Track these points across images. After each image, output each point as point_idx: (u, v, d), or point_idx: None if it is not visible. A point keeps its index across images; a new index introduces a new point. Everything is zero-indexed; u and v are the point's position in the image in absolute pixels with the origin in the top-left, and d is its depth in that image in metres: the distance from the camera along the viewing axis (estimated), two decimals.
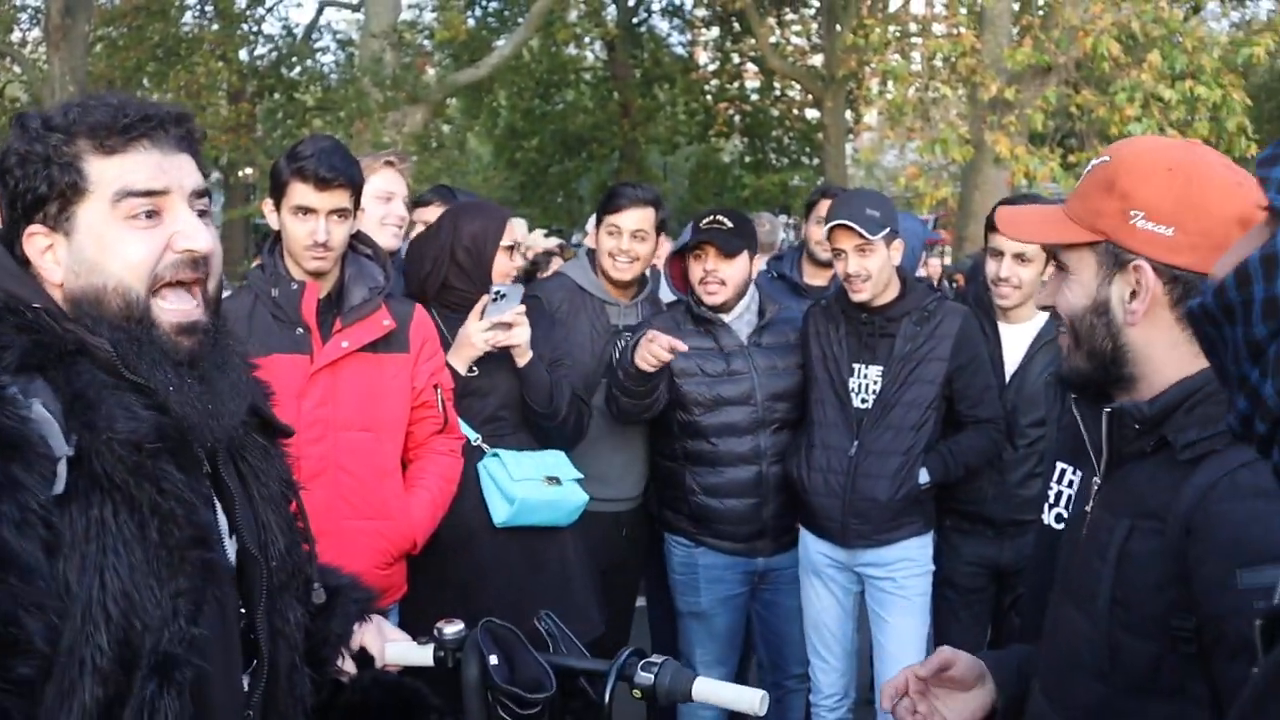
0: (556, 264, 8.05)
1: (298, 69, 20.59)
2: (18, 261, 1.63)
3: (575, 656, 2.12)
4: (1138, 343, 1.75)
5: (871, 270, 3.91)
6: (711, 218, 4.17)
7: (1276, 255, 1.03)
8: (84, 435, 1.50)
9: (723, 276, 4.08)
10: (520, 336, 3.65)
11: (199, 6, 19.85)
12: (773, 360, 4.16)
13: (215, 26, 19.30)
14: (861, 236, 3.86)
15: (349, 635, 2.04)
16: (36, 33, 17.78)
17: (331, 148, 3.30)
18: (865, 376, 4.01)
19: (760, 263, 5.03)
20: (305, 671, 1.88)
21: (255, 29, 20.76)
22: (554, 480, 3.74)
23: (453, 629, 2.06)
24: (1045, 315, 4.06)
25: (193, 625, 1.55)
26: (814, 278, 5.38)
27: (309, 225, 3.22)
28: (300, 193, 3.22)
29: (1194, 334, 1.16)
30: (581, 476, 3.84)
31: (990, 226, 4.06)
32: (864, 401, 4.01)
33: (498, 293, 3.69)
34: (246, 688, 1.74)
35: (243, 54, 20.09)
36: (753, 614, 4.44)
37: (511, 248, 3.95)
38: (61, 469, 1.47)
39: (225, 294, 4.02)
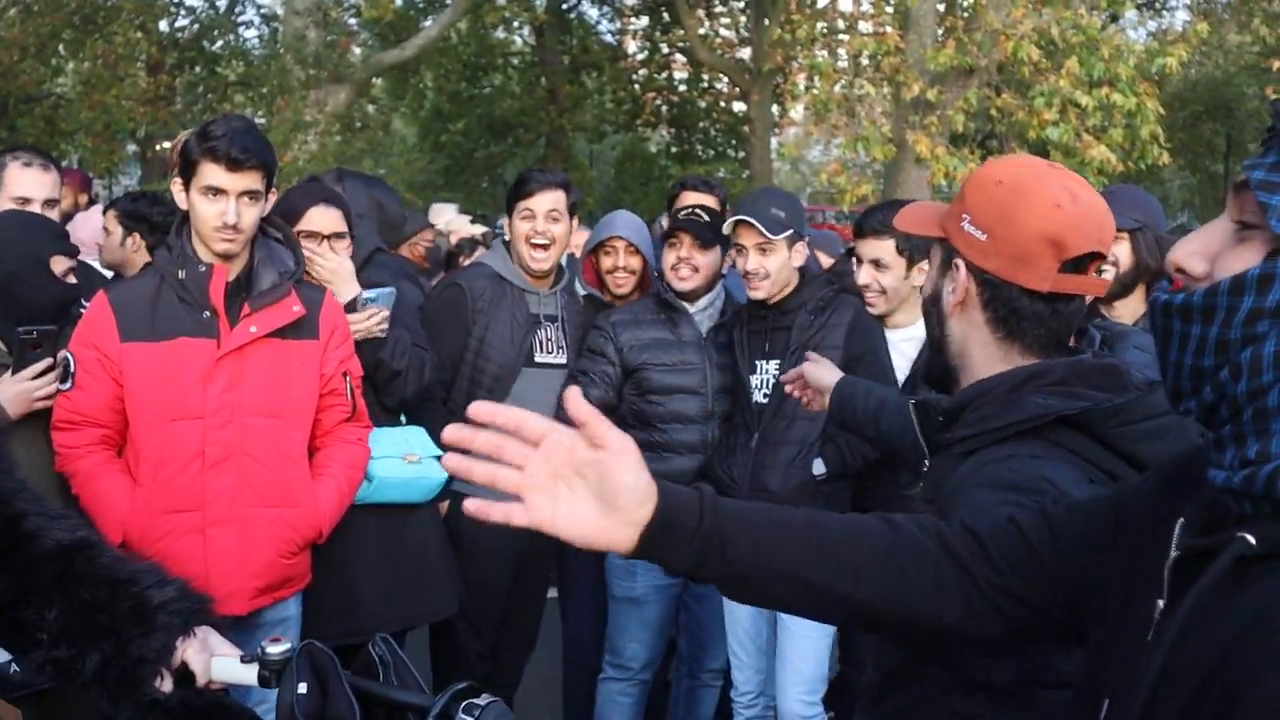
0: (480, 252, 8.00)
1: (219, 43, 20.22)
2: None
3: (403, 688, 2.01)
4: (957, 335, 1.95)
5: (770, 269, 3.94)
6: (691, 209, 4.33)
7: (1275, 276, 1.12)
8: None
9: (696, 264, 4.16)
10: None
11: None
12: (725, 357, 4.21)
13: None
14: (762, 235, 3.89)
15: (169, 652, 1.90)
16: None
17: (244, 128, 3.24)
18: (765, 372, 4.05)
19: None
20: None
21: (177, 1, 20.36)
22: (413, 458, 3.75)
23: (277, 648, 1.95)
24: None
25: None
26: None
27: (219, 206, 3.16)
28: (211, 173, 3.16)
29: (1150, 322, 1.24)
30: (441, 454, 3.82)
31: (856, 234, 4.11)
32: (765, 396, 4.04)
33: (368, 299, 3.70)
34: None
35: (163, 25, 19.67)
36: (680, 605, 4.47)
37: None
38: None
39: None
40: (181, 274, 3.22)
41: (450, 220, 10.50)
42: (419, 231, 6.31)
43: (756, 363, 4.08)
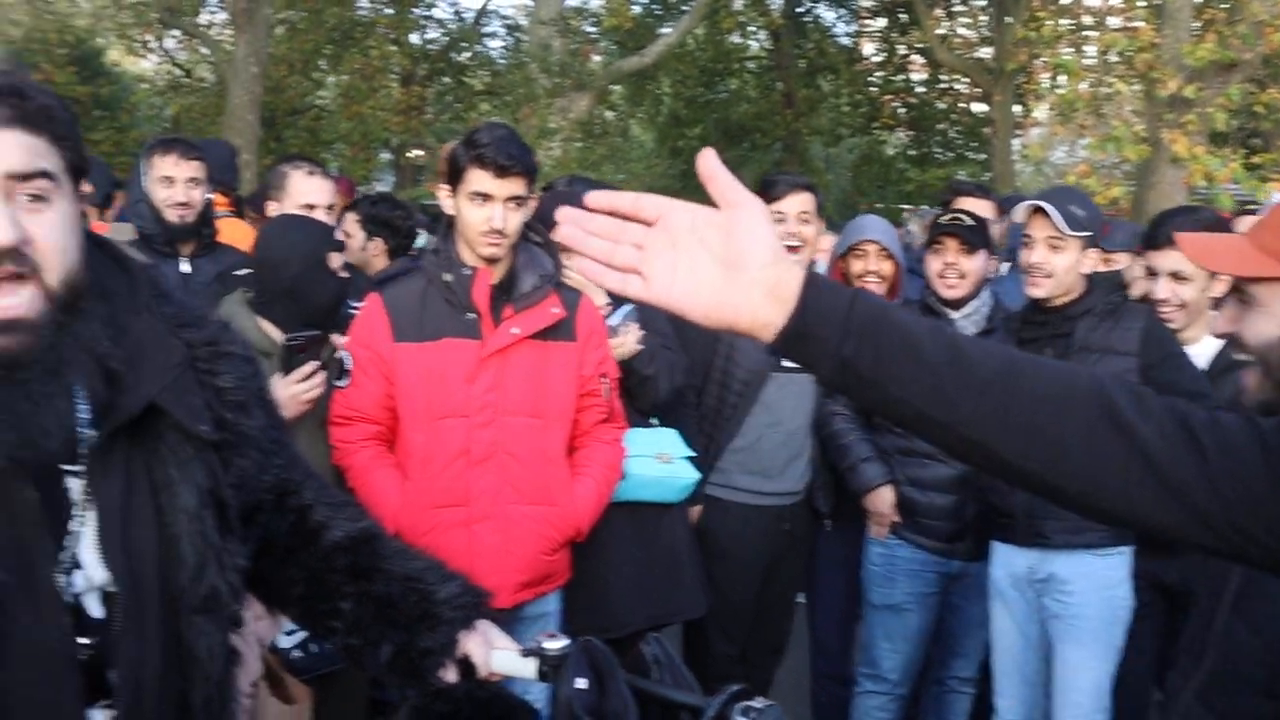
0: None
1: (467, 53, 20.98)
2: None
3: (677, 687, 2.03)
4: None
5: (1056, 268, 3.74)
6: (955, 213, 4.23)
7: None
8: None
9: (962, 270, 4.07)
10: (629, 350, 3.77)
11: None
12: None
13: (389, 11, 19.77)
14: (1056, 229, 3.72)
15: (453, 645, 1.94)
16: (223, 16, 18.43)
17: (509, 135, 3.34)
18: None
19: None
20: (232, 701, 1.75)
21: (427, 13, 21.23)
22: (666, 458, 3.79)
23: (555, 644, 1.97)
24: (1216, 340, 3.82)
25: None
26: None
27: (485, 211, 3.27)
28: (478, 179, 3.26)
29: None
30: (694, 454, 3.90)
31: (1148, 244, 3.89)
32: None
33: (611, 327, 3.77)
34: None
35: (414, 38, 20.56)
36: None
37: None
38: None
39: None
40: (448, 277, 3.34)
41: None
42: None
43: None
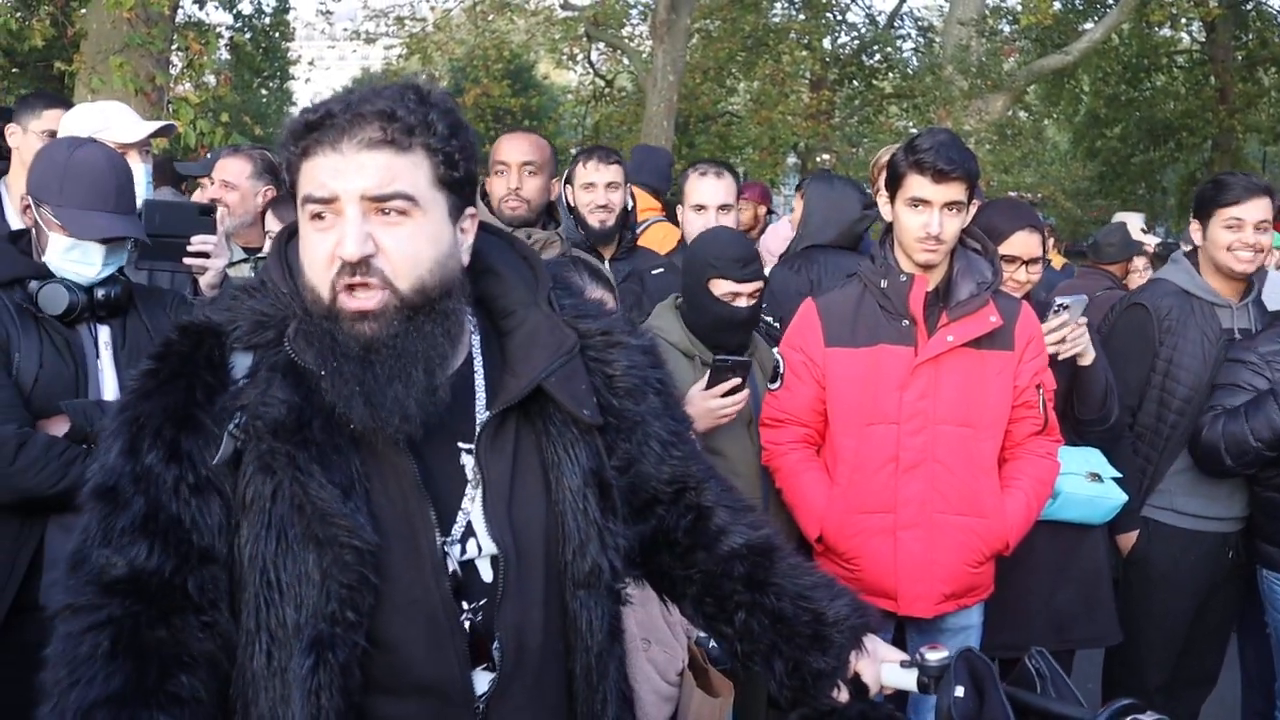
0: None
1: (877, 56, 20.85)
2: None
3: (1062, 701, 1.96)
4: None
5: None
6: None
7: None
8: (248, 414, 1.62)
9: None
10: (1083, 345, 3.63)
11: None
12: None
13: (802, 17, 19.96)
14: None
15: (844, 668, 1.95)
16: (644, 28, 19.22)
17: (949, 140, 3.29)
18: None
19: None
20: (612, 672, 1.83)
21: (840, 17, 21.27)
22: (1095, 477, 3.67)
23: (935, 655, 1.95)
24: None
25: (348, 608, 1.60)
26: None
27: (922, 218, 3.24)
28: (916, 184, 3.24)
29: None
30: (1120, 475, 3.73)
31: None
32: None
33: (1060, 305, 3.62)
34: (487, 685, 1.72)
35: (826, 43, 20.63)
36: None
37: None
38: (226, 442, 1.61)
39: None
40: (883, 283, 3.34)
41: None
42: None
43: None
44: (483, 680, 1.72)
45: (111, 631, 1.55)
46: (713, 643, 3.31)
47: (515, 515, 1.74)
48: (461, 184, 1.69)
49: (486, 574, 1.73)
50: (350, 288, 1.60)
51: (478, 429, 1.73)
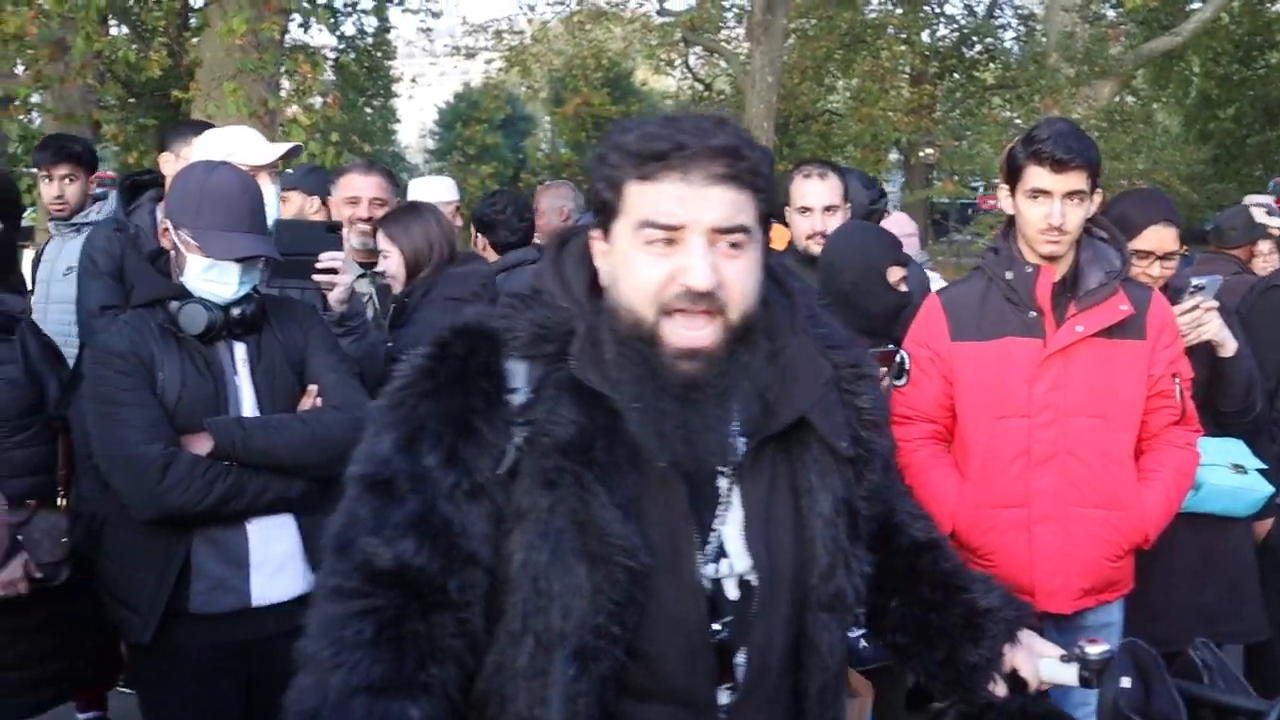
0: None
1: (978, 47, 20.58)
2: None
3: (1232, 693, 1.94)
4: None
5: None
6: None
7: None
8: (535, 430, 1.67)
9: None
10: (1215, 328, 3.55)
11: None
12: None
13: (899, 11, 19.79)
14: None
15: (998, 659, 1.96)
16: (740, 30, 19.21)
17: (1068, 130, 3.24)
18: None
19: None
20: (844, 695, 1.87)
21: (938, 10, 21.04)
22: (1239, 468, 3.58)
23: (1095, 649, 1.94)
24: None
25: (614, 623, 1.64)
26: None
27: (1044, 209, 3.19)
28: (1036, 175, 3.19)
29: None
30: (1265, 467, 3.65)
31: None
32: None
33: (1196, 286, 3.54)
34: (726, 699, 1.76)
35: (924, 36, 20.43)
36: None
37: None
38: (510, 451, 1.67)
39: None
40: (1009, 275, 3.29)
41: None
42: None
43: None
44: (723, 695, 1.77)
45: (375, 620, 1.61)
46: (862, 641, 3.31)
47: (770, 538, 1.79)
48: (768, 220, 1.76)
49: (732, 593, 1.78)
50: (683, 313, 1.65)
51: (738, 453, 1.78)
